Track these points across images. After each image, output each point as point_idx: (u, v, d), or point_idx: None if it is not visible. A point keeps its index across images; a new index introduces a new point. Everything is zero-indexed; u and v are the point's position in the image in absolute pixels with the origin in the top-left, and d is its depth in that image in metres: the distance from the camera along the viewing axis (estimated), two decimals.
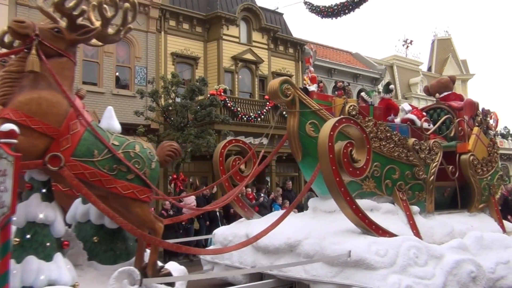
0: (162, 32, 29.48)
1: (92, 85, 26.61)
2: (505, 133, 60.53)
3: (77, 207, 7.64)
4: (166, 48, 29.50)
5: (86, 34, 6.79)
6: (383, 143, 9.77)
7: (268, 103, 27.32)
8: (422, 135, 10.72)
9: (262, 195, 20.61)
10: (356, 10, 25.34)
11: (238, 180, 10.43)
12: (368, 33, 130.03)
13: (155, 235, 6.85)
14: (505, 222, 12.00)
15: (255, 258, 9.49)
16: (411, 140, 10.11)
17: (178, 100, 25.28)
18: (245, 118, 26.56)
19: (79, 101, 6.82)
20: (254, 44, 32.47)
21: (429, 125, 11.39)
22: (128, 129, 26.43)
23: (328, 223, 9.25)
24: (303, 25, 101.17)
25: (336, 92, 11.92)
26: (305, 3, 26.89)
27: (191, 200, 17.63)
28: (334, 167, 8.15)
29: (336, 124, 8.29)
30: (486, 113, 12.09)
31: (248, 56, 32.04)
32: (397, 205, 9.84)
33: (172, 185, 24.30)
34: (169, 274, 7.09)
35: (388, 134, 9.84)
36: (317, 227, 9.13)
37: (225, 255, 9.89)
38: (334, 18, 26.10)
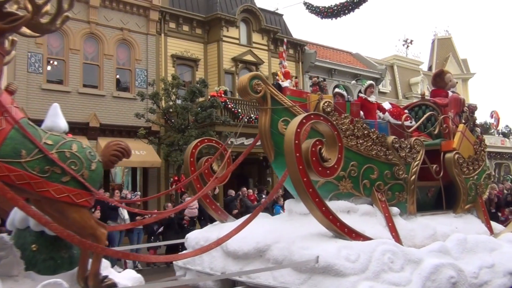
0: (162, 34, 29.09)
1: (93, 88, 26.31)
2: (506, 132, 59.65)
3: (16, 212, 6.87)
4: (166, 50, 29.06)
5: (14, 22, 5.99)
6: (360, 141, 8.96)
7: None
8: (403, 132, 9.90)
9: (263, 196, 19.99)
10: (356, 10, 24.93)
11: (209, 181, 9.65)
12: (368, 33, 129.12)
13: (97, 242, 6.06)
14: (493, 223, 11.19)
15: (225, 263, 8.70)
16: (391, 138, 9.30)
17: (178, 102, 24.74)
18: (245, 120, 25.90)
19: (7, 96, 6.07)
20: (254, 45, 32.01)
21: (410, 122, 10.59)
22: (129, 131, 26.07)
23: (301, 226, 8.43)
24: (303, 26, 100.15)
25: (311, 88, 11.04)
26: (305, 4, 26.59)
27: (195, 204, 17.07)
28: (301, 167, 7.36)
29: (304, 120, 7.51)
30: (473, 109, 11.23)
31: (248, 57, 31.56)
32: (376, 206, 9.03)
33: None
34: (113, 285, 6.32)
35: (365, 132, 9.03)
36: (289, 231, 8.32)
37: (197, 260, 9.15)
38: (334, 19, 25.74)
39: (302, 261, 7.39)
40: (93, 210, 16.36)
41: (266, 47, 32.45)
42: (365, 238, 8.01)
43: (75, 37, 25.67)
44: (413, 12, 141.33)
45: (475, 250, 8.89)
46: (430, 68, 52.91)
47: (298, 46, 34.72)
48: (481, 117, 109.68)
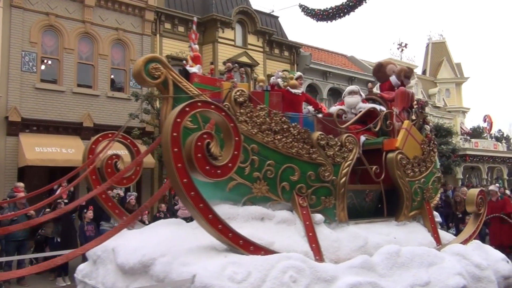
0: (158, 35, 27.61)
1: (87, 88, 24.89)
2: (499, 136, 57.33)
3: None
4: (161, 50, 27.52)
5: None
6: (279, 136, 7.19)
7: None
8: (337, 129, 8.08)
9: None
10: (351, 13, 23.59)
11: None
12: (363, 36, 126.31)
13: None
14: (442, 232, 9.35)
15: (116, 279, 6.95)
16: (316, 134, 7.50)
17: None
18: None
19: None
20: (249, 47, 30.42)
21: (345, 117, 8.77)
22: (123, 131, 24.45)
23: (198, 235, 6.68)
24: (298, 28, 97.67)
25: (225, 75, 9.17)
26: (301, 6, 25.26)
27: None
28: (179, 165, 5.60)
29: (187, 108, 5.74)
30: (422, 105, 9.30)
31: (244, 59, 29.91)
32: (296, 213, 7.29)
33: None
34: None
35: (285, 126, 7.26)
36: (181, 241, 6.54)
37: (93, 274, 7.50)
38: (329, 21, 24.50)
39: (178, 281, 5.66)
40: (85, 210, 14.89)
41: (261, 49, 30.83)
42: (268, 251, 6.28)
43: (70, 37, 24.25)
44: (407, 16, 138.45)
45: (409, 265, 7.11)
46: (424, 72, 50.82)
47: (293, 48, 32.95)
48: (474, 121, 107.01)
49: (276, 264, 5.94)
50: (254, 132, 7.02)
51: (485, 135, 51.51)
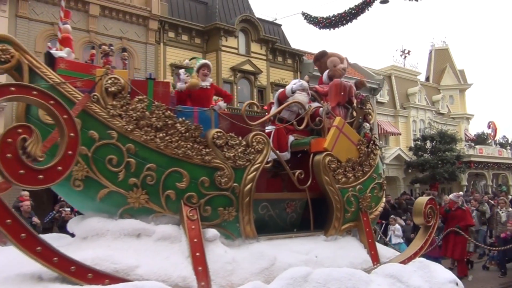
0: (161, 44, 26.11)
1: None
2: (503, 142, 54.19)
3: None
4: (165, 59, 26.03)
5: None
6: (161, 134, 5.37)
7: (266, 113, 23.09)
8: (249, 126, 6.15)
9: None
10: (354, 21, 21.88)
11: None
12: (366, 43, 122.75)
13: None
14: (384, 248, 7.35)
15: None
16: (211, 132, 5.66)
17: None
18: None
19: None
20: (252, 55, 28.68)
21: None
22: None
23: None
24: (301, 36, 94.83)
25: (102, 60, 7.30)
26: (303, 14, 23.35)
27: None
28: None
29: None
30: (362, 99, 7.25)
31: (247, 67, 28.25)
32: (183, 228, 5.45)
33: None
34: None
35: (169, 122, 5.44)
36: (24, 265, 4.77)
37: None
38: (332, 29, 22.69)
39: None
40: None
41: (264, 57, 29.06)
42: (115, 280, 4.45)
43: (75, 46, 22.72)
44: (410, 23, 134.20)
45: None
46: (427, 79, 48.04)
47: (296, 56, 31.05)
48: (478, 127, 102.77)
49: None
50: (129, 129, 5.27)
51: (489, 141, 48.67)
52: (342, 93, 6.93)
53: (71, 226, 5.68)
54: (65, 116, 4.33)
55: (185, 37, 26.82)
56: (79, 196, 5.35)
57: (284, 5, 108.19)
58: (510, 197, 19.46)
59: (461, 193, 14.78)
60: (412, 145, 37.06)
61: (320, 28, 22.94)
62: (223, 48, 27.23)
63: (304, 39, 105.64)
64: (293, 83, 7.42)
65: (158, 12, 25.78)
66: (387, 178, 36.60)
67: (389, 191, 33.81)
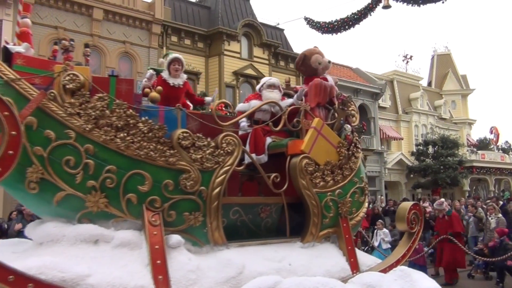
0: (164, 48, 25.66)
1: None
2: (506, 147, 53.30)
3: None
4: None
5: None
6: (122, 134, 4.97)
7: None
8: (219, 127, 5.71)
9: None
10: (356, 26, 21.45)
11: None
12: (369, 48, 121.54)
13: None
14: (365, 256, 6.85)
15: None
16: (177, 132, 5.23)
17: None
18: None
19: None
20: (255, 59, 28.35)
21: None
22: None
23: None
24: (303, 41, 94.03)
25: (62, 56, 6.83)
26: (306, 19, 22.95)
27: None
28: None
29: None
30: (344, 100, 6.76)
31: (249, 71, 27.88)
32: (144, 233, 5.02)
33: None
34: None
35: (131, 121, 5.03)
36: None
37: None
38: (334, 34, 22.33)
39: None
40: None
41: (267, 61, 28.69)
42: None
43: (78, 50, 22.48)
44: (413, 28, 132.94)
45: None
46: (429, 84, 47.28)
47: None
48: (480, 132, 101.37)
49: None
50: (88, 129, 4.86)
51: (492, 146, 47.89)
52: (323, 94, 6.46)
53: (28, 230, 5.27)
54: (6, 113, 3.93)
55: (188, 41, 26.52)
56: (35, 200, 4.97)
57: (286, 10, 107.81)
58: (500, 202, 18.63)
59: (442, 199, 14.06)
60: (414, 150, 36.57)
61: (322, 33, 22.55)
62: (225, 52, 26.90)
63: (307, 44, 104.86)
64: (262, 82, 7.03)
65: (161, 16, 25.46)
66: (389, 183, 36.50)
67: (391, 196, 33.30)
